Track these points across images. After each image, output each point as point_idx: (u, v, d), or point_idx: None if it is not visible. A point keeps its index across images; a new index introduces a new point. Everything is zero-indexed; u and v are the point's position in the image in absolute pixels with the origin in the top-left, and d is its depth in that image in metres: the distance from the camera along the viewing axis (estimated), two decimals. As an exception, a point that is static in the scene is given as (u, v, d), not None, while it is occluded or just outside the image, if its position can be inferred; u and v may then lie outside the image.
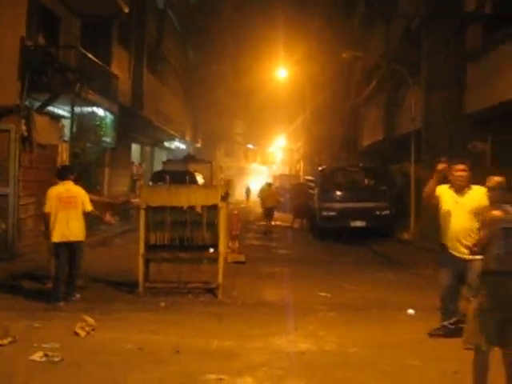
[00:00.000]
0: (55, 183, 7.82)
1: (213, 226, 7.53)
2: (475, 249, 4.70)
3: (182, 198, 7.39)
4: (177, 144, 31.09)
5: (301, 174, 41.35)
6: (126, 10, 16.65)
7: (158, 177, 19.32)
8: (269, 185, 19.83)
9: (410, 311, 6.93)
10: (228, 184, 8.93)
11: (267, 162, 64.62)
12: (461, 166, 5.70)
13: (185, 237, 7.60)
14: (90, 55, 15.25)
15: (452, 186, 5.78)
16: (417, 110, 14.70)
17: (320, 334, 5.93)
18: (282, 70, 33.39)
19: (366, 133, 22.26)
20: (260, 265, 10.92)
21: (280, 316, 6.68)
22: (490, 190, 4.58)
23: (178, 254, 7.58)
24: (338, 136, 25.10)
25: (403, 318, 6.73)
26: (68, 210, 7.28)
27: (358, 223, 15.06)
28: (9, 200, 11.23)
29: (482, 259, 4.36)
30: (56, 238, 7.26)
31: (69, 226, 7.25)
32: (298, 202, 21.17)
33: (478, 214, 5.21)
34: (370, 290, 8.55)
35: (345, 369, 4.89)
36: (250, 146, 60.78)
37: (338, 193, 15.60)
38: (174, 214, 7.50)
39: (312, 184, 19.29)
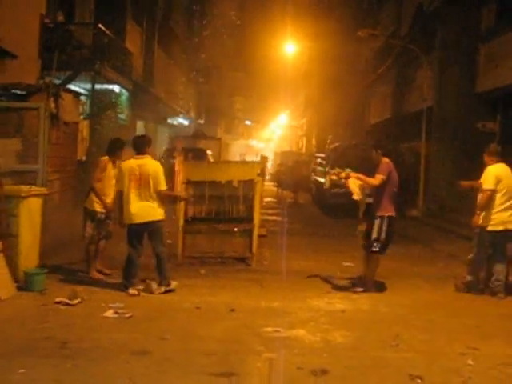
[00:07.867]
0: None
1: (248, 201, 8.16)
2: None
3: (222, 173, 7.98)
4: (180, 120, 31.17)
5: (303, 150, 41.83)
6: None
7: (170, 153, 19.88)
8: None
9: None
10: (265, 161, 9.48)
11: (266, 138, 64.85)
12: None
13: (221, 210, 8.22)
14: (107, 32, 15.18)
15: None
16: (428, 89, 15.18)
17: (353, 297, 6.64)
18: (286, 45, 33.13)
19: (373, 111, 22.72)
20: (280, 238, 11.56)
21: (312, 282, 7.38)
22: None
23: (215, 226, 8.21)
24: (345, 114, 25.50)
25: (424, 286, 7.45)
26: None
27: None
28: (38, 176, 11.81)
29: None
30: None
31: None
32: (298, 176, 21.78)
33: None
34: (389, 261, 9.18)
35: (381, 323, 5.63)
36: (247, 122, 60.81)
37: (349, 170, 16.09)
38: (212, 189, 8.11)
39: (321, 161, 19.83)
